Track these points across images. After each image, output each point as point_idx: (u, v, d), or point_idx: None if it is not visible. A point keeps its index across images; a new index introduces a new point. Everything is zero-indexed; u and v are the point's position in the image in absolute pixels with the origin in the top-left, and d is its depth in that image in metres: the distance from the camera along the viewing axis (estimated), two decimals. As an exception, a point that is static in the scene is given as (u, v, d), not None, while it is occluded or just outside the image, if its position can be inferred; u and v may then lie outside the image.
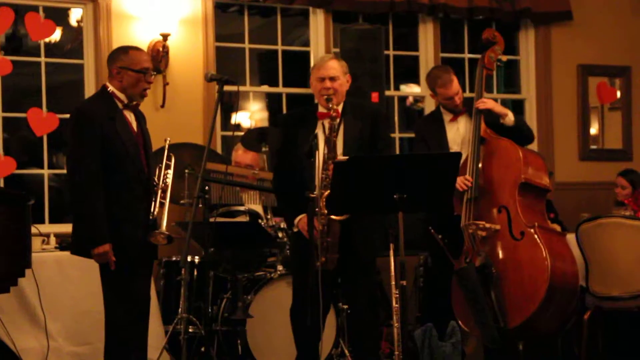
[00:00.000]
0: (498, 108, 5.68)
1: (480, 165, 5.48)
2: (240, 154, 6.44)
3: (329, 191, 4.48)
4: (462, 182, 5.37)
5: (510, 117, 5.64)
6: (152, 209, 4.63)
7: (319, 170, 4.62)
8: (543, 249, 5.14)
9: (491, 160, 5.50)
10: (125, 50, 4.73)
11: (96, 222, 4.48)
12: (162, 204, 4.65)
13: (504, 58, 5.91)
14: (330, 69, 4.82)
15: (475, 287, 5.17)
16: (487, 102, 5.61)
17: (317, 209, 4.54)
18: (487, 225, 5.31)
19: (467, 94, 6.32)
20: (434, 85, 5.77)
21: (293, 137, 4.86)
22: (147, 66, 4.68)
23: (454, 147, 5.72)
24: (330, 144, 4.64)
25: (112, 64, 4.70)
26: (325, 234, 4.57)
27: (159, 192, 4.67)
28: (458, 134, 5.78)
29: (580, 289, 5.81)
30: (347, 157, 4.50)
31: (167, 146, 4.84)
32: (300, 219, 4.76)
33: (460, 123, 5.79)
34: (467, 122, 5.75)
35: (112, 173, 4.54)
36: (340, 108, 4.83)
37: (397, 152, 7.55)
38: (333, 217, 4.56)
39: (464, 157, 5.41)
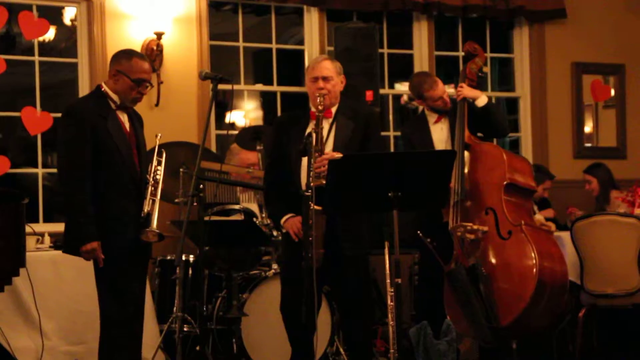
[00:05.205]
0: (472, 93, 5.74)
1: (466, 170, 5.49)
2: (243, 155, 6.40)
3: (314, 183, 4.46)
4: None
5: (482, 99, 5.70)
6: (143, 207, 4.62)
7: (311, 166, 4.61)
8: (531, 247, 5.13)
9: (476, 165, 5.50)
10: (129, 55, 4.68)
11: (84, 219, 4.47)
12: (152, 201, 4.64)
13: (486, 69, 5.98)
14: (323, 69, 4.81)
15: (466, 288, 5.16)
16: (464, 89, 5.71)
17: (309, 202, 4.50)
18: (475, 226, 5.30)
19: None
20: (422, 91, 5.79)
21: (286, 137, 4.86)
22: (144, 77, 4.63)
23: (439, 146, 5.74)
24: (317, 136, 4.61)
25: (112, 65, 4.68)
26: (311, 228, 4.49)
27: (150, 188, 4.66)
28: (443, 133, 5.81)
29: (575, 287, 5.83)
30: (341, 155, 4.50)
31: (157, 142, 4.83)
32: (287, 220, 4.77)
33: (444, 123, 5.83)
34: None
35: (104, 172, 4.53)
36: (334, 109, 4.84)
37: (392, 150, 7.56)
38: (316, 207, 4.47)
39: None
